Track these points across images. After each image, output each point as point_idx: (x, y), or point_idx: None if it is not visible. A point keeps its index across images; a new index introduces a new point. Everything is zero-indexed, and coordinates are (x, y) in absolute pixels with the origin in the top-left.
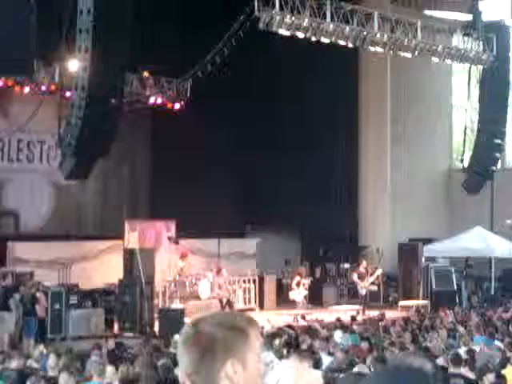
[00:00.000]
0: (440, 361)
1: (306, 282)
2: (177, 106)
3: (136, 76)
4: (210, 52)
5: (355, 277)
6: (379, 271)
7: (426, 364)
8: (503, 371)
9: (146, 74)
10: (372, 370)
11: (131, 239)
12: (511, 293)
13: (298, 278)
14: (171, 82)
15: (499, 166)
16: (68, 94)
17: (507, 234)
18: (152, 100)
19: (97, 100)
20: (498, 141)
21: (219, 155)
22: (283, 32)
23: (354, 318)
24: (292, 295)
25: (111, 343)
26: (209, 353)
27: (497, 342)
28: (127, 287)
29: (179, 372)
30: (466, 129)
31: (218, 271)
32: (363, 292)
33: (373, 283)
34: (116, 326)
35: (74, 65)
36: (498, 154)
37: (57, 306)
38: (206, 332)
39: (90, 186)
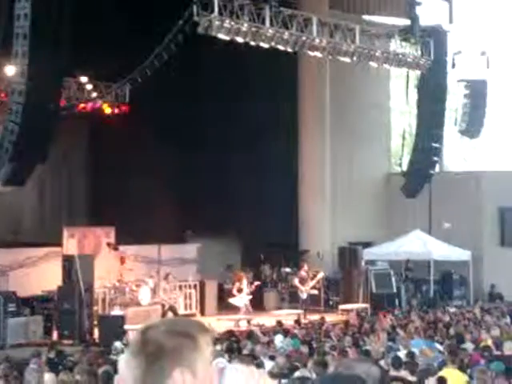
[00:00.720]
0: (380, 364)
1: (247, 287)
2: (115, 110)
3: (74, 80)
4: (148, 56)
5: (296, 281)
6: (320, 275)
7: (372, 369)
8: (443, 373)
9: (83, 78)
10: (313, 374)
11: (70, 246)
12: (449, 295)
13: (237, 284)
14: (110, 86)
15: (437, 169)
16: (5, 99)
17: (445, 237)
18: (90, 105)
19: (34, 105)
20: (436, 144)
21: (158, 160)
22: (222, 36)
23: (298, 322)
24: (232, 301)
25: (51, 351)
26: (156, 361)
27: (436, 345)
28: (66, 294)
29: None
30: (404, 133)
31: (166, 276)
32: (304, 296)
33: (314, 287)
34: (55, 334)
35: (11, 70)
36: (435, 158)
37: None
38: (153, 339)
39: (28, 193)
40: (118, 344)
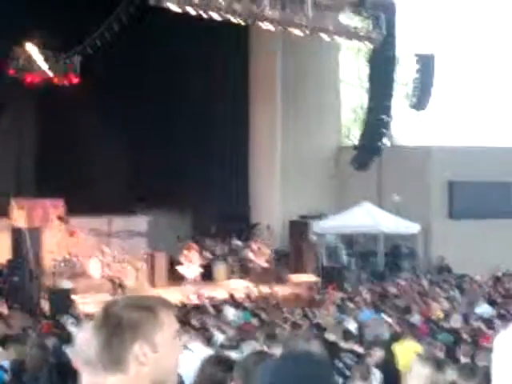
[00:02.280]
0: (331, 336)
1: (198, 258)
2: (65, 81)
3: (22, 50)
4: (99, 27)
5: (250, 254)
6: (270, 248)
7: (314, 345)
8: (396, 346)
9: (32, 47)
10: (264, 347)
11: (18, 218)
12: (398, 268)
13: (187, 253)
14: (59, 56)
15: (388, 144)
16: None
17: (394, 210)
18: (39, 75)
19: None
20: (386, 117)
21: (108, 130)
22: (174, 8)
23: (248, 296)
24: (182, 270)
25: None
26: (116, 334)
27: (384, 316)
28: (15, 267)
29: (72, 353)
30: (355, 107)
31: (101, 251)
32: (258, 269)
33: (264, 260)
34: (5, 307)
35: None
36: (384, 130)
37: None
38: (114, 313)
39: None
40: (67, 317)
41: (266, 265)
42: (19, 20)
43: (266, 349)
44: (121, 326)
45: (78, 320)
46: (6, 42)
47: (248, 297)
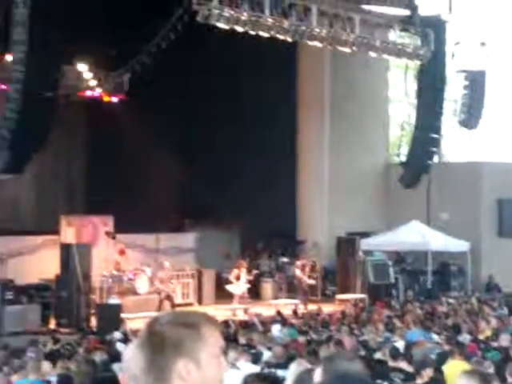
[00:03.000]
0: (378, 354)
1: (246, 275)
2: (114, 99)
3: (72, 68)
4: (147, 46)
5: (297, 271)
6: (317, 265)
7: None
8: (445, 366)
9: (82, 66)
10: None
11: (68, 234)
12: (447, 286)
13: (236, 271)
14: (108, 75)
15: (436, 160)
16: (3, 87)
17: (443, 228)
18: (89, 93)
19: (32, 93)
20: (435, 135)
21: (157, 149)
22: (222, 26)
23: (295, 312)
24: (229, 288)
25: (48, 339)
26: (159, 352)
27: (434, 336)
28: (64, 282)
29: (119, 369)
30: (403, 123)
31: (160, 265)
32: (305, 287)
33: (311, 277)
34: (52, 322)
35: (10, 58)
36: (434, 148)
37: None
38: (157, 331)
39: (26, 180)
40: (116, 333)
41: (312, 282)
42: (69, 40)
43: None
44: (164, 344)
45: (125, 336)
46: (56, 62)
47: (295, 314)
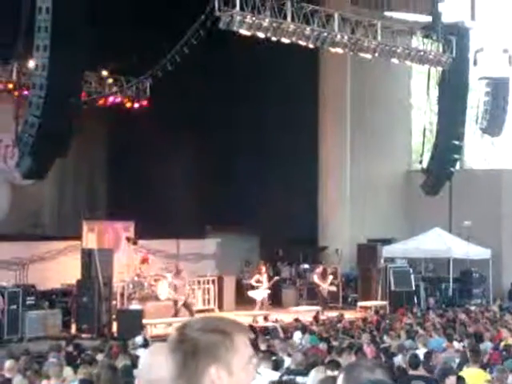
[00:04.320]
0: (399, 361)
1: (266, 281)
2: (136, 105)
3: (95, 74)
4: (170, 51)
5: (315, 278)
6: (338, 272)
7: (378, 374)
8: (463, 372)
9: (104, 72)
10: (330, 372)
11: (89, 240)
12: (469, 293)
13: (257, 276)
14: (130, 81)
15: (458, 167)
16: (26, 92)
17: (465, 235)
18: (111, 99)
19: (55, 99)
20: (457, 142)
21: (178, 155)
22: (244, 32)
23: (316, 319)
24: (251, 294)
25: (70, 345)
26: (191, 357)
27: (455, 344)
28: (85, 288)
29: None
30: (424, 130)
31: (178, 272)
32: (324, 293)
33: (332, 284)
34: (73, 327)
35: (32, 63)
36: (456, 156)
37: (13, 307)
38: (189, 336)
39: (48, 186)
40: (137, 339)
41: (333, 289)
42: (91, 46)
43: (331, 375)
44: (197, 349)
45: (146, 342)
46: (79, 68)
47: (316, 320)
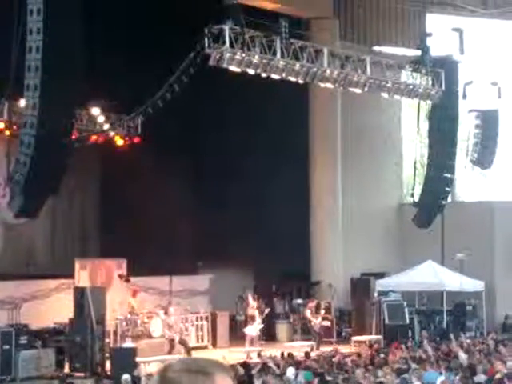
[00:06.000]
0: None
1: (259, 316)
2: (128, 142)
3: (86, 112)
4: (160, 88)
5: (308, 313)
6: (332, 306)
7: None
8: None
9: (95, 110)
10: None
11: (82, 278)
12: (462, 326)
13: (251, 311)
14: (121, 118)
15: (449, 199)
16: (17, 131)
17: (458, 268)
18: (102, 136)
19: (46, 137)
20: (448, 175)
21: (169, 192)
22: (234, 68)
23: (307, 355)
24: (247, 331)
25: None
26: None
27: (450, 376)
28: (78, 327)
29: None
30: (415, 163)
31: (166, 311)
32: (316, 328)
33: (326, 319)
34: (67, 366)
35: (23, 102)
36: (447, 188)
37: (6, 347)
38: (171, 378)
39: (40, 224)
40: (126, 376)
41: (327, 323)
42: (82, 83)
43: None
44: None
45: (137, 380)
46: (69, 106)
47: (309, 356)
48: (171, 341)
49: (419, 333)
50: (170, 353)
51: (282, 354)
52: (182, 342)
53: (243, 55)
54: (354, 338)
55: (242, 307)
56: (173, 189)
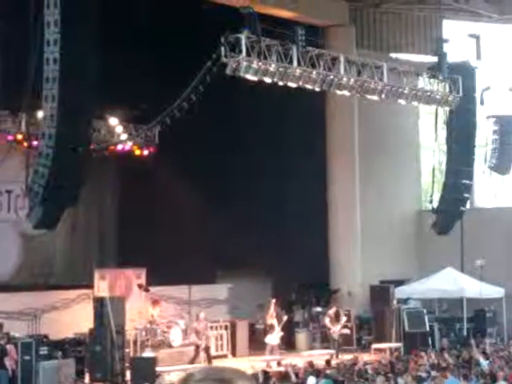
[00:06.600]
0: None
1: (278, 325)
2: (145, 152)
3: (103, 123)
4: (177, 98)
5: (327, 321)
6: (352, 314)
7: None
8: None
9: (113, 120)
10: None
11: (101, 288)
12: (483, 333)
13: (270, 321)
14: (139, 128)
15: (468, 205)
16: (35, 142)
17: (477, 274)
18: (120, 147)
19: (64, 149)
20: (466, 181)
21: (188, 200)
22: (250, 77)
23: (328, 362)
24: (267, 340)
25: None
26: None
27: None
28: (98, 337)
29: None
30: (434, 170)
31: (196, 316)
32: (335, 336)
33: (345, 326)
34: (87, 377)
35: (41, 113)
36: (466, 195)
37: (27, 358)
38: None
39: (59, 235)
40: None
41: (346, 331)
42: (99, 94)
43: None
44: None
45: None
46: (87, 117)
47: (328, 364)
48: (196, 347)
49: (439, 340)
50: (193, 360)
51: (302, 363)
52: (207, 350)
53: (260, 64)
54: (374, 346)
55: (262, 316)
56: (191, 198)
